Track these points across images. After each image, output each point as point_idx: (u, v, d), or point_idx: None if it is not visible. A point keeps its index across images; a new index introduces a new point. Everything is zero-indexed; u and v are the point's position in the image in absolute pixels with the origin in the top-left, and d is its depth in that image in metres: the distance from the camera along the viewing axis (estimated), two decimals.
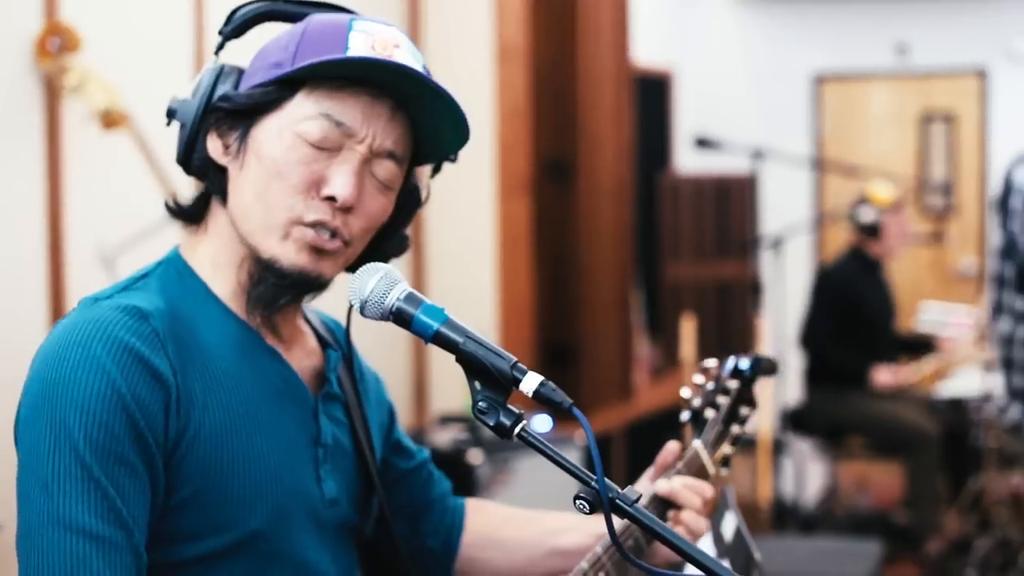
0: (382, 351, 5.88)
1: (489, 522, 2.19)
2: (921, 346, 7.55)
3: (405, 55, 1.82)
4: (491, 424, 1.63)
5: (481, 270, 6.31)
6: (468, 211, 6.28)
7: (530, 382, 1.60)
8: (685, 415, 2.14)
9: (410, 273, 6.11)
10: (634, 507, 1.57)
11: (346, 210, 1.80)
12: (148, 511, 1.69)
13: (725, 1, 9.99)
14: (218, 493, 1.74)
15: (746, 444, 6.91)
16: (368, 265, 1.69)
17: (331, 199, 1.79)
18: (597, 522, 2.07)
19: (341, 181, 1.78)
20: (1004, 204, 4.32)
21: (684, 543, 1.56)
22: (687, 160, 9.28)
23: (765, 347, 6.40)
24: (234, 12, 1.93)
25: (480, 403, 1.63)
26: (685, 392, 2.14)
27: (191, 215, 1.90)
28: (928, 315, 7.66)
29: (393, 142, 1.83)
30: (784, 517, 7.06)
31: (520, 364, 1.62)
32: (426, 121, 1.86)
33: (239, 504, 1.76)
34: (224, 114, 1.83)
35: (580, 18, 7.11)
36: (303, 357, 1.93)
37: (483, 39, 6.24)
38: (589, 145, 7.19)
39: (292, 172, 1.78)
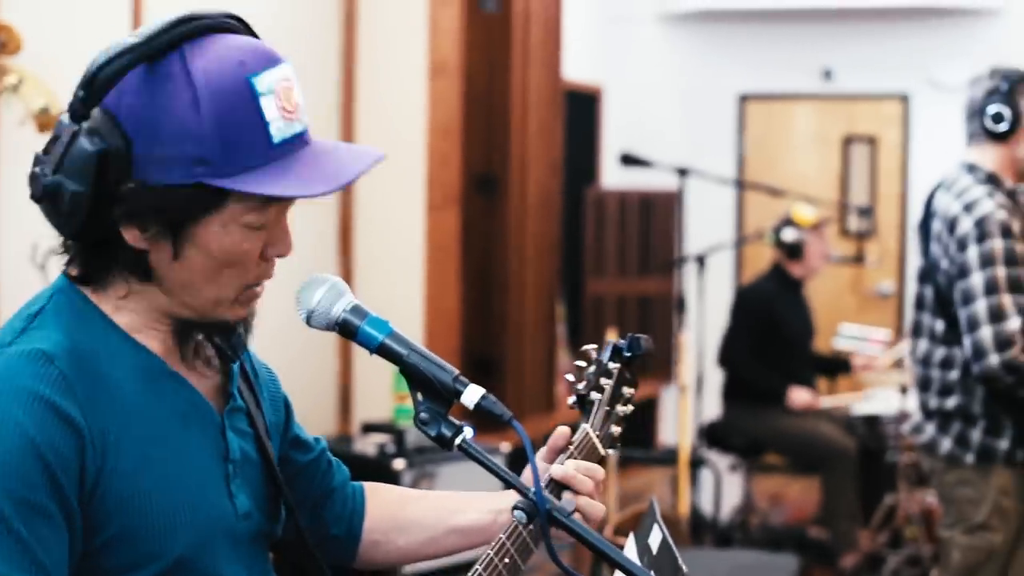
0: (309, 361, 5.91)
1: (389, 505, 2.21)
2: (838, 366, 7.64)
3: (299, 95, 1.81)
4: (432, 434, 1.67)
5: (409, 282, 6.33)
6: (398, 223, 6.31)
7: (471, 394, 1.66)
8: (571, 399, 2.20)
9: None
10: (569, 519, 1.63)
11: None
12: (67, 557, 1.69)
13: (654, 20, 10.09)
14: (139, 527, 1.74)
15: (665, 460, 6.98)
16: (315, 277, 1.76)
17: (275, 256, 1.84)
18: (493, 499, 2.14)
19: (285, 243, 1.82)
20: (925, 228, 4.41)
21: (613, 551, 1.62)
22: (614, 176, 9.37)
23: (687, 363, 6.47)
24: (95, 74, 1.73)
25: (422, 414, 1.69)
26: (570, 377, 2.19)
27: (95, 280, 1.82)
28: (846, 335, 7.76)
29: None
30: (702, 531, 7.12)
31: (462, 377, 1.68)
32: None
33: (161, 535, 1.76)
34: (142, 211, 1.73)
35: (513, 35, 7.17)
36: (205, 373, 1.92)
37: (416, 55, 6.27)
38: (518, 160, 7.25)
39: (246, 257, 1.79)
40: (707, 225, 9.38)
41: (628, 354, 2.22)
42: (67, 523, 1.68)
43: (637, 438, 9.34)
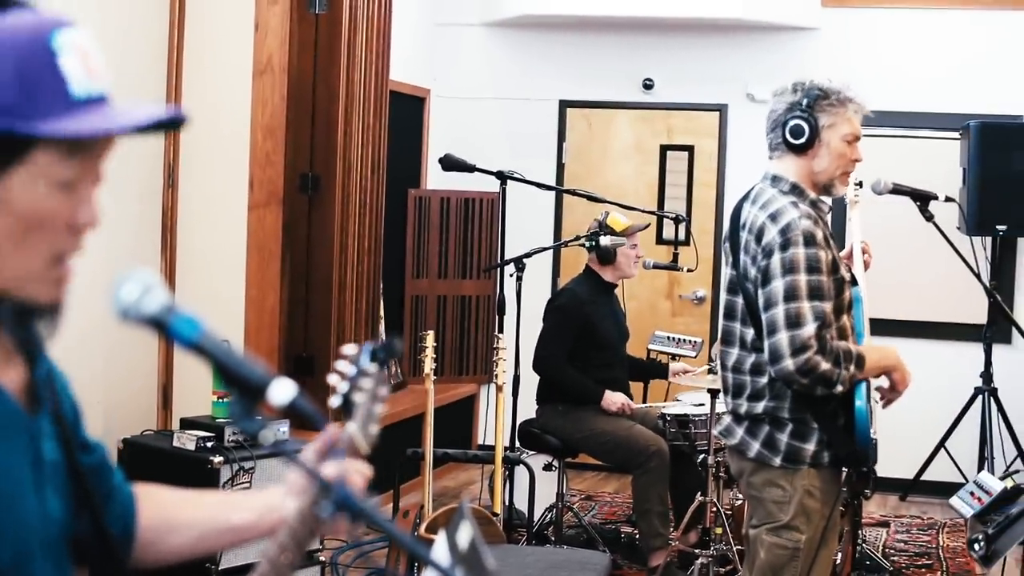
0: (130, 356, 5.89)
1: (160, 506, 2.23)
2: (651, 370, 7.79)
3: (100, 61, 1.83)
4: (243, 430, 1.74)
5: (231, 279, 6.34)
6: (221, 222, 6.31)
7: (282, 393, 1.73)
8: (335, 400, 2.28)
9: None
10: (374, 514, 1.71)
11: None
12: None
13: (480, 26, 10.20)
14: None
15: (482, 458, 7.07)
16: (130, 272, 1.76)
17: (81, 228, 1.81)
18: (260, 498, 2.22)
19: (91, 210, 1.81)
20: (733, 240, 4.54)
21: (420, 548, 1.71)
22: (439, 179, 9.46)
23: (505, 364, 6.56)
24: None
25: (233, 410, 1.75)
26: (332, 379, 2.28)
27: None
28: (659, 340, 7.92)
29: (112, 148, 1.85)
30: (517, 529, 7.23)
31: (272, 375, 1.74)
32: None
33: None
34: None
35: (341, 36, 7.20)
36: (12, 374, 1.90)
37: (242, 54, 6.28)
38: (342, 160, 7.28)
39: (52, 219, 1.77)
40: (527, 228, 9.52)
41: (383, 356, 2.31)
42: None
43: (455, 437, 9.44)
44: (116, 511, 2.17)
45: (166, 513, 2.23)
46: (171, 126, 1.88)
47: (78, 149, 1.76)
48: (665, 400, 7.92)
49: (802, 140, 4.45)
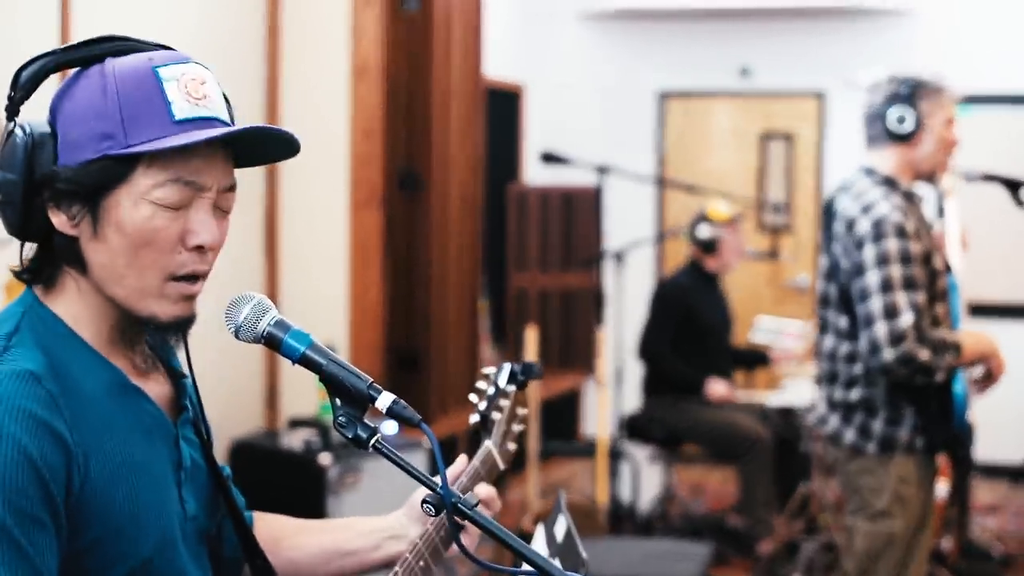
0: (237, 357, 5.99)
1: (278, 531, 2.34)
2: (755, 359, 7.80)
3: (212, 91, 1.93)
4: (349, 436, 1.82)
5: (334, 279, 6.42)
6: (322, 222, 6.40)
7: (384, 400, 1.82)
8: (474, 418, 2.36)
9: (264, 281, 6.21)
10: (473, 511, 1.78)
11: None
12: (57, 562, 1.79)
13: (575, 19, 10.23)
14: (112, 533, 1.86)
15: (587, 451, 7.12)
16: (242, 294, 1.90)
17: (199, 247, 1.91)
18: (382, 524, 2.30)
19: (206, 231, 1.90)
20: (827, 229, 4.57)
21: (518, 542, 1.77)
22: (537, 173, 9.51)
23: (606, 357, 6.61)
24: (19, 73, 1.92)
25: (340, 418, 1.84)
26: (473, 397, 2.35)
27: (45, 279, 1.95)
28: (762, 328, 7.93)
29: (230, 177, 1.95)
30: (621, 520, 7.28)
31: (376, 384, 1.83)
32: (255, 147, 1.98)
33: (131, 539, 1.88)
34: (62, 192, 1.86)
35: (434, 34, 7.26)
36: (158, 385, 2.03)
37: (339, 57, 6.36)
38: (440, 158, 7.35)
39: (159, 237, 1.87)
40: (629, 220, 9.55)
41: (522, 378, 2.38)
42: (57, 531, 1.79)
43: (560, 429, 9.50)
44: (234, 533, 2.24)
45: (282, 537, 2.33)
46: (279, 145, 1.97)
47: (179, 172, 1.87)
48: (769, 391, 7.92)
49: (906, 128, 4.45)
